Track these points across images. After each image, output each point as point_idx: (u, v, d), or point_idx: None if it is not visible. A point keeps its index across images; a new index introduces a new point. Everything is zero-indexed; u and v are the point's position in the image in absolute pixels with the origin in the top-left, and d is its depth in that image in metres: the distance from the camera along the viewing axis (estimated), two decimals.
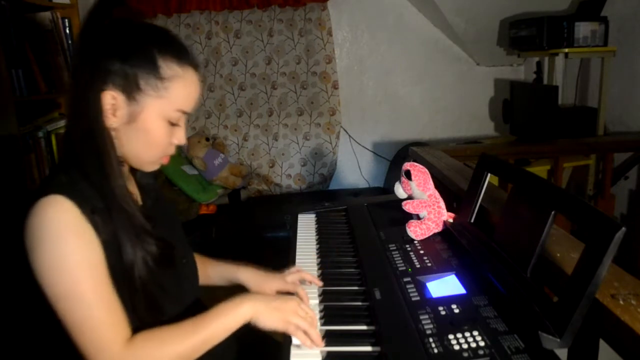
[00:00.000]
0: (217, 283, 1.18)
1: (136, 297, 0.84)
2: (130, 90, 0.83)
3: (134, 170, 0.97)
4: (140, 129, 0.86)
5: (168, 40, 0.87)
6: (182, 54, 0.87)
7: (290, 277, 1.10)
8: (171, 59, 0.85)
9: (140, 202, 0.97)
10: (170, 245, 0.90)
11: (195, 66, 0.89)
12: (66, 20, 2.57)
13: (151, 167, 0.93)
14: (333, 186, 3.39)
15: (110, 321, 0.80)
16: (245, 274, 1.14)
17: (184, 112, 0.89)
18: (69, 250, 0.77)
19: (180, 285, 0.96)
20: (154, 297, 0.86)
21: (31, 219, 0.78)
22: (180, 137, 0.90)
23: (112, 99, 0.83)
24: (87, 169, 0.83)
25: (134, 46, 0.84)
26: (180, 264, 0.98)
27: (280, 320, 0.89)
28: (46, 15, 2.39)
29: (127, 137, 0.86)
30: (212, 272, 1.17)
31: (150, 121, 0.85)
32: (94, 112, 0.83)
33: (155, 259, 0.86)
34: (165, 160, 0.93)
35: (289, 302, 0.91)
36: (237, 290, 1.04)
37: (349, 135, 3.33)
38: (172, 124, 0.88)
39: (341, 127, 3.28)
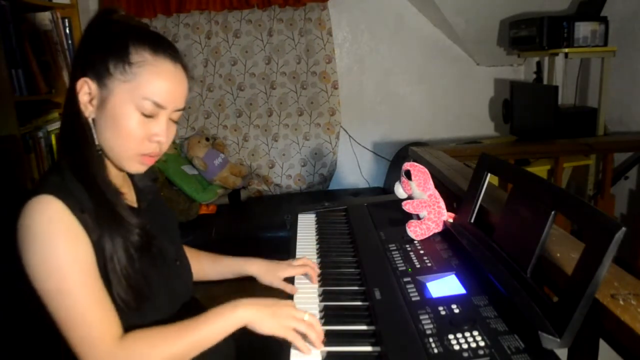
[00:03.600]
0: (221, 277, 1.20)
1: (120, 287, 0.83)
2: (101, 75, 0.85)
3: (130, 173, 0.98)
4: (110, 116, 0.85)
5: (148, 33, 0.89)
6: (159, 45, 0.87)
7: (297, 262, 1.14)
8: (144, 47, 0.85)
9: (135, 204, 0.98)
10: (152, 235, 0.90)
11: (173, 59, 0.88)
12: (66, 20, 2.57)
13: (132, 165, 0.89)
14: (333, 186, 3.39)
15: (100, 318, 0.80)
16: (254, 266, 1.17)
17: (158, 105, 0.86)
18: (59, 248, 0.78)
19: (173, 285, 0.96)
20: (138, 286, 0.86)
21: (22, 218, 0.80)
22: (157, 131, 0.87)
23: (87, 88, 0.86)
24: (72, 161, 0.85)
25: (113, 38, 0.86)
26: (173, 265, 0.99)
27: (278, 326, 0.87)
28: (46, 15, 2.39)
29: (102, 127, 0.87)
30: (218, 266, 1.20)
31: (119, 107, 0.84)
32: (71, 102, 0.86)
33: (136, 247, 0.86)
34: (147, 161, 0.90)
35: (284, 307, 0.90)
36: (233, 289, 1.05)
37: (349, 135, 3.33)
38: (146, 116, 0.86)
39: (341, 127, 3.28)
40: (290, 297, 1.07)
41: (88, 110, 0.86)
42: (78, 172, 0.85)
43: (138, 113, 0.85)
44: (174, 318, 0.88)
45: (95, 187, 0.84)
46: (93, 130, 0.87)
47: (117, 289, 0.84)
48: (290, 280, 1.13)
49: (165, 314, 0.92)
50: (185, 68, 0.91)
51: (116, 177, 0.93)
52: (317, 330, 0.88)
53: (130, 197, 0.97)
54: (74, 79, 0.87)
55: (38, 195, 0.80)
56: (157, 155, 0.91)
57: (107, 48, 0.85)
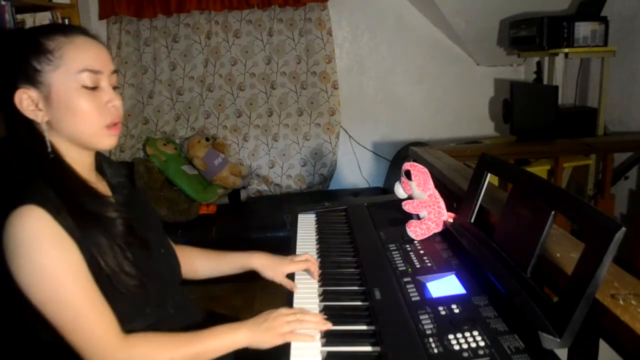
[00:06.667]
0: (219, 274, 1.21)
1: (121, 278, 0.85)
2: (31, 77, 0.85)
3: (102, 171, 1.00)
4: (61, 106, 0.86)
5: (48, 24, 0.91)
6: (64, 28, 0.89)
7: (299, 258, 1.16)
8: (54, 34, 0.87)
9: (112, 199, 0.98)
10: (132, 225, 0.91)
11: (82, 32, 0.90)
12: (66, 20, 2.57)
13: (103, 141, 0.91)
14: (333, 186, 3.39)
15: (99, 318, 0.82)
16: (258, 260, 1.18)
17: (94, 71, 0.87)
18: (48, 258, 0.79)
19: (159, 271, 0.97)
20: (136, 273, 0.88)
21: (8, 230, 0.79)
22: (109, 97, 0.90)
23: (27, 96, 0.85)
24: (39, 169, 0.85)
25: (22, 42, 0.86)
26: (158, 253, 1.00)
27: (275, 337, 0.91)
28: (46, 15, 2.39)
29: (59, 122, 0.87)
30: (218, 263, 1.21)
31: (64, 93, 0.86)
32: (16, 119, 0.85)
33: (122, 238, 0.88)
34: (114, 130, 0.91)
35: (276, 318, 0.92)
36: (233, 290, 1.05)
37: (349, 135, 3.33)
38: (91, 88, 0.87)
39: (341, 127, 3.28)
40: (290, 294, 1.08)
41: (39, 116, 0.86)
42: (48, 179, 0.85)
43: (83, 90, 0.87)
44: (163, 307, 0.92)
45: (67, 191, 0.85)
46: (46, 134, 0.87)
47: (118, 280, 0.85)
48: (291, 277, 1.14)
49: (155, 302, 0.93)
50: (94, 37, 0.93)
51: (89, 176, 0.94)
52: (311, 320, 0.91)
53: (105, 192, 0.97)
54: (6, 100, 0.85)
55: (21, 205, 0.79)
56: (119, 121, 0.92)
57: (22, 52, 0.85)
